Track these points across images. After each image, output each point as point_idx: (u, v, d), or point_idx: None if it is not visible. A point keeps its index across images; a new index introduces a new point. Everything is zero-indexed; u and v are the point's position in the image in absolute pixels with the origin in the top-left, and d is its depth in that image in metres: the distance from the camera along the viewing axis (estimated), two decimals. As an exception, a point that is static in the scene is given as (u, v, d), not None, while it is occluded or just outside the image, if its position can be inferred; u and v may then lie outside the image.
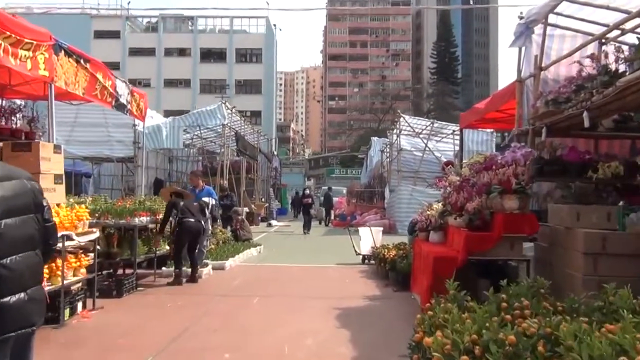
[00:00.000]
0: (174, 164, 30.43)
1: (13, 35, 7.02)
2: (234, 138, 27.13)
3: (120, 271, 9.41)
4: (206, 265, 10.78)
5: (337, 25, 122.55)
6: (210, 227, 11.17)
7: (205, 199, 10.88)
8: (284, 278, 10.81)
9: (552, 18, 8.43)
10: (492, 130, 24.33)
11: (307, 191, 27.61)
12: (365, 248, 12.78)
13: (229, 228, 16.07)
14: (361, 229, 13.10)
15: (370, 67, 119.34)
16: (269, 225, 28.13)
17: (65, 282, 6.63)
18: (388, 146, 28.31)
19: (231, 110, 25.11)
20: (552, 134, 7.74)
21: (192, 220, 9.84)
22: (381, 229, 13.46)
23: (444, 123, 25.43)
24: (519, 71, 8.98)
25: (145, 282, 9.82)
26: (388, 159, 28.41)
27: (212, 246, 13.06)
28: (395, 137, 25.87)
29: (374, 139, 36.66)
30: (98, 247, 8.66)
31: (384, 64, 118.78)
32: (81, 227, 6.93)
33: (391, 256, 10.29)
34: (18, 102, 10.72)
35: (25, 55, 7.41)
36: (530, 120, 8.20)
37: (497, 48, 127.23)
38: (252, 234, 16.80)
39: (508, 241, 6.56)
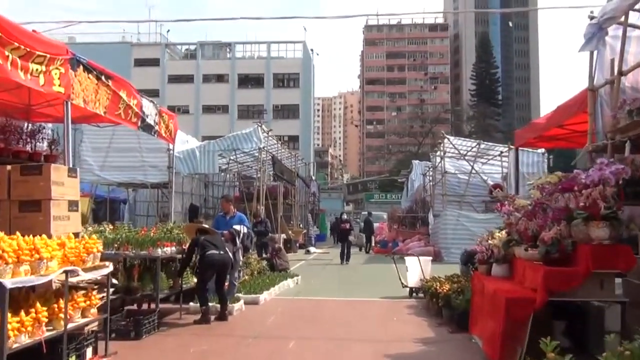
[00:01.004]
0: (210, 190, 29.79)
1: (22, 47, 6.23)
2: (270, 162, 26.35)
3: (145, 306, 8.52)
4: (238, 300, 9.77)
5: (374, 49, 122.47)
6: (241, 258, 10.19)
7: (237, 227, 9.93)
8: (323, 315, 9.70)
9: (631, 17, 7.29)
10: (543, 150, 22.97)
11: (345, 216, 24.80)
12: (413, 280, 11.60)
13: (263, 256, 15.11)
14: (408, 259, 11.92)
15: (408, 91, 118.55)
16: (308, 252, 27.09)
17: (71, 325, 5.71)
18: (431, 169, 27.07)
19: (267, 134, 24.33)
20: (638, 149, 6.58)
21: (216, 252, 8.90)
22: (430, 258, 12.25)
23: (490, 144, 24.15)
24: (591, 78, 7.83)
25: (171, 319, 8.86)
26: (431, 183, 27.16)
27: (246, 277, 12.08)
28: (438, 159, 24.64)
29: (415, 162, 35.47)
30: (115, 281, 7.79)
31: (422, 88, 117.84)
32: (90, 260, 6.01)
33: (444, 291, 9.11)
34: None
35: (37, 70, 6.62)
36: (609, 133, 7.04)
37: (537, 69, 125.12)
38: (289, 262, 15.76)
39: (597, 278, 5.35)
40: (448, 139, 23.12)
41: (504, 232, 7.43)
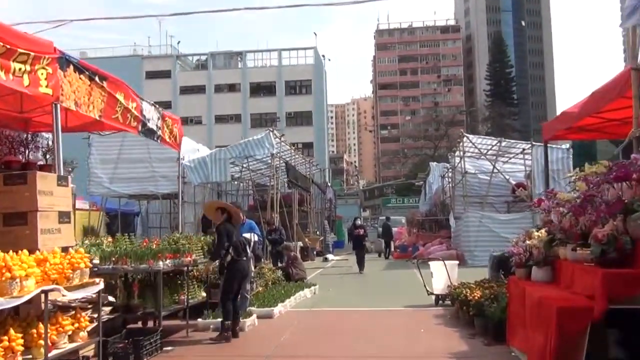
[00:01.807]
0: (223, 199, 29.02)
1: (1, 44, 5.57)
2: (284, 169, 25.65)
3: (151, 324, 7.81)
4: (250, 314, 8.99)
5: (386, 54, 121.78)
6: (253, 268, 9.43)
7: (247, 235, 9.17)
8: (343, 328, 8.89)
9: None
10: (568, 146, 22.02)
11: (359, 221, 22.56)
12: (439, 286, 10.77)
13: (278, 265, 14.35)
14: (433, 263, 11.08)
15: (421, 94, 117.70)
16: (325, 259, 26.29)
17: (55, 352, 4.99)
18: (450, 170, 26.18)
19: (280, 139, 23.63)
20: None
21: (245, 259, 8.24)
22: (456, 262, 11.39)
23: (512, 141, 23.23)
24: (635, 56, 6.99)
25: (176, 337, 8.12)
26: (450, 184, 26.25)
27: (260, 289, 11.32)
28: (457, 159, 23.75)
29: (433, 164, 34.57)
30: (112, 298, 7.08)
31: (435, 90, 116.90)
32: (77, 277, 5.29)
33: (476, 298, 8.28)
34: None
35: (20, 69, 5.94)
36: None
37: (552, 68, 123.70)
38: (305, 271, 14.98)
39: (665, 281, 4.52)
40: (467, 137, 22.23)
41: (543, 231, 6.60)
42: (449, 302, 10.55)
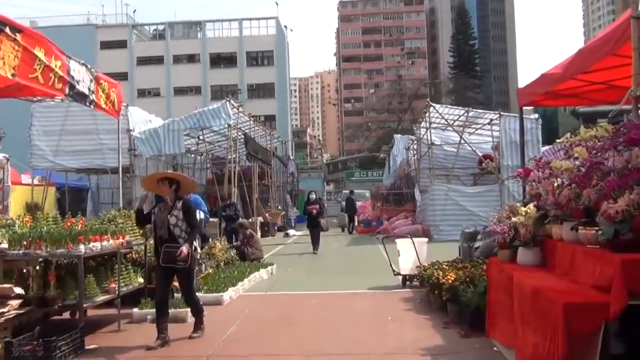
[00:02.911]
0: (179, 172, 27.78)
1: None
2: (242, 141, 24.37)
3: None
4: (195, 302, 7.88)
5: (350, 26, 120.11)
6: (199, 251, 8.31)
7: (191, 213, 8.03)
8: (301, 316, 7.86)
9: None
10: (537, 116, 21.33)
11: (313, 195, 18.41)
12: (406, 266, 9.83)
13: (233, 243, 13.24)
14: (399, 241, 10.10)
15: (385, 67, 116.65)
16: (287, 235, 25.26)
17: None
18: (415, 142, 25.29)
19: (238, 110, 22.33)
20: None
21: None
22: (425, 240, 10.42)
23: (480, 111, 22.39)
24: (635, 3, 6.04)
25: (107, 331, 7.01)
26: (415, 156, 25.38)
27: (210, 271, 10.22)
28: (423, 130, 22.85)
29: (397, 136, 33.68)
30: (19, 290, 5.92)
31: (399, 63, 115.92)
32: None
33: (449, 281, 7.36)
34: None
35: None
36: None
37: (514, 41, 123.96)
38: (262, 251, 13.93)
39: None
40: (434, 107, 21.28)
41: (531, 206, 5.64)
42: (417, 283, 9.66)
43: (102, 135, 20.38)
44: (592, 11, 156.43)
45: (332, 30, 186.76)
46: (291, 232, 26.26)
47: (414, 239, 9.92)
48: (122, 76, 61.47)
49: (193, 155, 28.58)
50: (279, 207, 31.26)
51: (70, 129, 20.26)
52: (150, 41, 66.46)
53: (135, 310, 7.49)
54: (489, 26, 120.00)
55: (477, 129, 22.80)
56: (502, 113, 20.85)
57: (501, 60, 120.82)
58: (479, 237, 9.39)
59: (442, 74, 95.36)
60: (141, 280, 7.83)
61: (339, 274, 12.15)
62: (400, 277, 9.96)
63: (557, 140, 6.23)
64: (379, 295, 9.23)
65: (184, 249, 6.32)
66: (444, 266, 8.19)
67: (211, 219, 19.39)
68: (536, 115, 21.01)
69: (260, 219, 24.91)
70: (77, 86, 8.69)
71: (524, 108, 11.02)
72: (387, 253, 10.53)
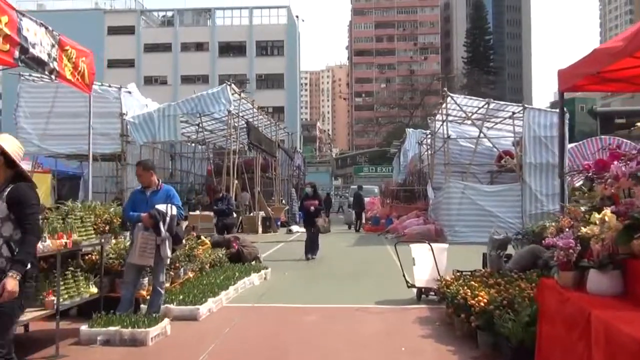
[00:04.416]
0: (178, 162, 26.29)
1: None
2: (244, 129, 22.84)
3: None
4: (160, 319, 6.31)
5: (363, 19, 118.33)
6: (169, 253, 6.73)
7: (161, 207, 6.50)
8: (291, 341, 6.23)
9: None
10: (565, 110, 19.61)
11: (309, 189, 15.16)
12: (423, 277, 8.25)
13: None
14: (415, 247, 8.48)
15: (397, 62, 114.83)
16: (289, 231, 23.67)
17: None
18: (429, 136, 23.63)
19: (239, 95, 20.79)
20: None
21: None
22: (446, 246, 8.78)
23: (502, 103, 20.67)
24: None
25: (40, 357, 5.49)
26: (429, 152, 23.73)
27: (190, 275, 8.68)
28: (438, 124, 21.20)
29: (409, 130, 32.02)
30: None
31: (412, 58, 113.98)
32: None
33: (481, 303, 5.78)
34: None
35: None
36: None
37: (529, 39, 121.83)
38: (256, 248, 12.28)
39: None
40: (452, 97, 19.61)
41: (607, 212, 4.05)
42: (435, 297, 8.11)
43: (94, 119, 18.88)
44: (609, 11, 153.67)
45: (344, 24, 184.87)
46: (294, 228, 24.64)
47: (432, 244, 8.32)
48: (129, 63, 60.33)
49: (193, 145, 27.14)
50: (283, 201, 29.74)
51: (59, 112, 18.92)
52: (159, 28, 65.26)
53: (84, 328, 5.95)
54: (504, 23, 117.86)
55: (497, 123, 21.14)
56: (526, 105, 19.17)
57: (515, 57, 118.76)
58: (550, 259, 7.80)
59: (456, 69, 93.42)
60: (94, 290, 6.29)
61: (342, 282, 10.53)
62: (414, 290, 8.40)
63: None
64: (389, 312, 7.63)
65: (8, 282, 3.60)
66: (473, 282, 6.59)
67: (206, 213, 17.95)
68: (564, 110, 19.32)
69: (262, 213, 23.41)
70: (32, 50, 7.21)
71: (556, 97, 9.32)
72: (399, 260, 8.94)
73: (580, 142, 22.52)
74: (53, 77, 8.07)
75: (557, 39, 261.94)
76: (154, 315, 6.36)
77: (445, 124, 20.18)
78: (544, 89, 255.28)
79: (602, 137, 22.51)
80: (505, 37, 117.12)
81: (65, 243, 5.61)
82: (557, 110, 19.27)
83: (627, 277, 3.87)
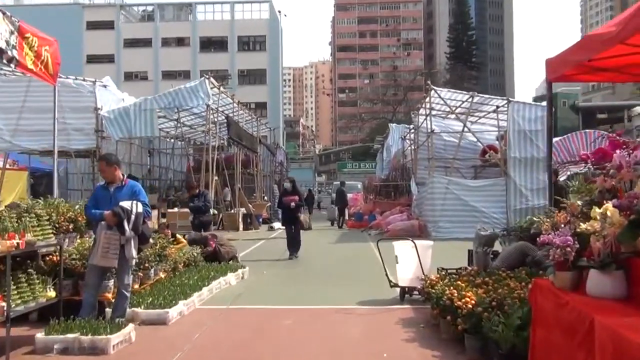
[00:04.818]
0: (156, 159, 25.69)
1: None
2: (224, 124, 22.31)
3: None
4: (124, 323, 5.87)
5: (346, 15, 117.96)
6: (134, 254, 6.26)
7: (125, 204, 6.04)
8: (266, 347, 5.79)
9: None
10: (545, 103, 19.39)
11: (288, 184, 14.07)
12: (406, 275, 7.87)
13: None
14: (398, 244, 8.09)
15: (380, 58, 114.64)
16: (271, 228, 23.25)
17: None
18: (412, 131, 23.28)
19: (218, 89, 20.28)
20: None
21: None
22: (430, 243, 8.38)
23: (486, 96, 20.37)
24: None
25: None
26: (412, 146, 23.40)
27: (161, 275, 8.22)
28: (422, 118, 20.87)
29: (392, 125, 31.68)
30: None
31: (395, 54, 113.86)
32: None
33: (468, 305, 5.41)
34: None
35: None
36: None
37: (512, 35, 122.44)
38: (234, 247, 11.85)
39: None
40: (435, 90, 19.27)
41: (609, 206, 3.68)
42: (418, 296, 7.75)
43: (67, 114, 18.31)
44: (590, 7, 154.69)
45: (327, 20, 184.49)
46: (276, 225, 24.17)
47: (416, 242, 7.94)
48: (109, 58, 59.39)
49: (172, 141, 26.58)
50: (265, 197, 29.27)
51: (31, 107, 18.20)
52: (139, 23, 64.49)
53: (39, 335, 5.48)
54: (487, 18, 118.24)
55: (480, 117, 20.86)
56: (510, 99, 18.90)
57: (498, 54, 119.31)
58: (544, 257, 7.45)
59: (439, 65, 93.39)
60: (52, 293, 5.81)
61: (323, 281, 10.13)
62: (397, 289, 8.02)
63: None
64: (371, 314, 7.22)
65: None
66: (459, 282, 6.21)
67: (184, 210, 17.44)
68: (545, 103, 19.08)
69: (243, 210, 22.94)
70: (-14, 36, 6.70)
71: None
72: (381, 257, 8.55)
73: (564, 136, 22.38)
74: (12, 66, 7.59)
75: (538, 35, 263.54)
76: (118, 320, 5.91)
77: (428, 118, 19.85)
78: (525, 84, 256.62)
79: (587, 131, 22.33)
80: (488, 33, 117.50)
81: (18, 244, 5.14)
82: (543, 103, 19.16)
83: (631, 278, 3.51)
